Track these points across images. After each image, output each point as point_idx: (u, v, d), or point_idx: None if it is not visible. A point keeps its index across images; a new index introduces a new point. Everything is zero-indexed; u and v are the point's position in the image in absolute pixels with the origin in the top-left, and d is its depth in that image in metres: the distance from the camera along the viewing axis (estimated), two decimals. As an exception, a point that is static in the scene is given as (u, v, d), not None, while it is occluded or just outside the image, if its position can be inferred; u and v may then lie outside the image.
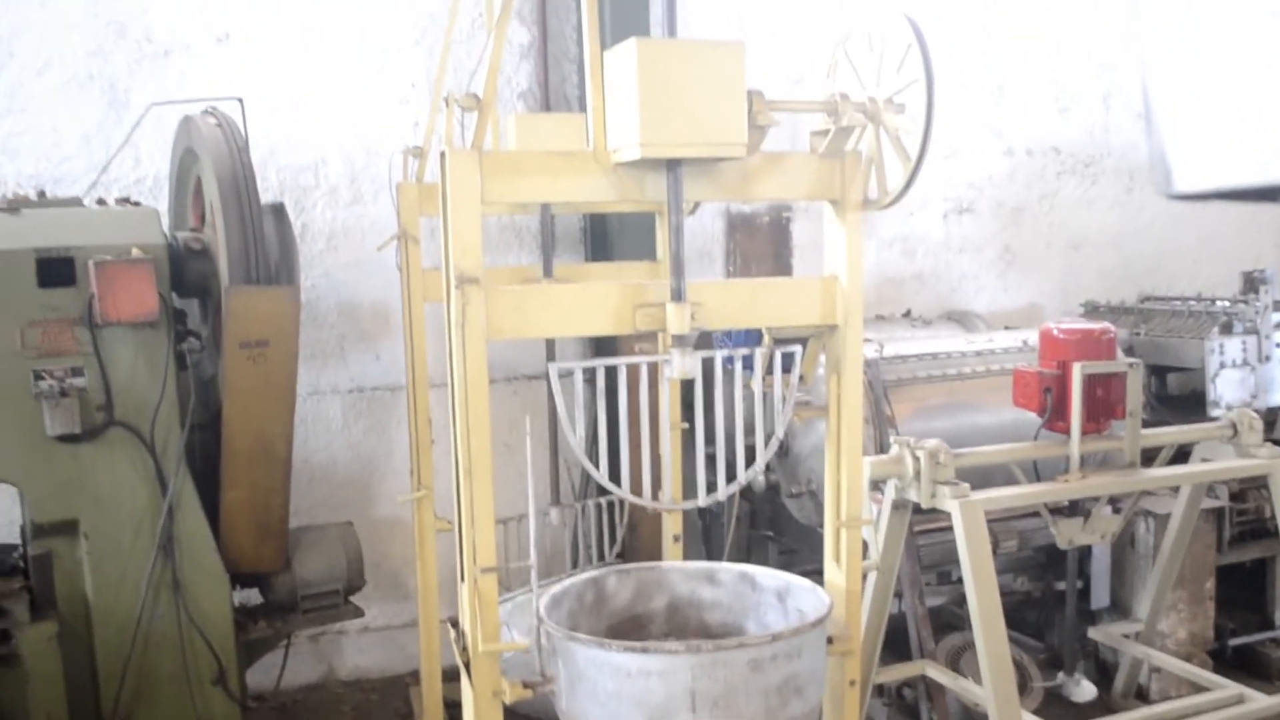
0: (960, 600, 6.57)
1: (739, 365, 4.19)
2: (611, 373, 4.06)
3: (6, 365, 5.21)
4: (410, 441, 6.45)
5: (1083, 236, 9.30)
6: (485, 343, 3.79)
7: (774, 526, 7.53)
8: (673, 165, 3.91)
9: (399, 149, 6.70)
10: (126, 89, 6.81)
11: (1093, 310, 8.68)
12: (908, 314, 8.23)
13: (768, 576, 4.55)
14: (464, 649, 4.16)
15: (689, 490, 4.83)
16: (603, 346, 7.23)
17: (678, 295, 3.98)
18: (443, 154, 3.81)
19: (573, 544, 7.38)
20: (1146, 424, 5.86)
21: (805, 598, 4.35)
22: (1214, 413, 7.50)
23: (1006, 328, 8.09)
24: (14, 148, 6.67)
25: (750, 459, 4.26)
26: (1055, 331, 5.84)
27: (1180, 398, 8.20)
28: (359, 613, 6.28)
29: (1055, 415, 5.78)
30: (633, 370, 4.11)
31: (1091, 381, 5.69)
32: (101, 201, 5.88)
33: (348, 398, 7.44)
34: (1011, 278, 9.16)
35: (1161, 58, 1.25)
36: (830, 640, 4.26)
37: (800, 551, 7.29)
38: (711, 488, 4.26)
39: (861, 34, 4.29)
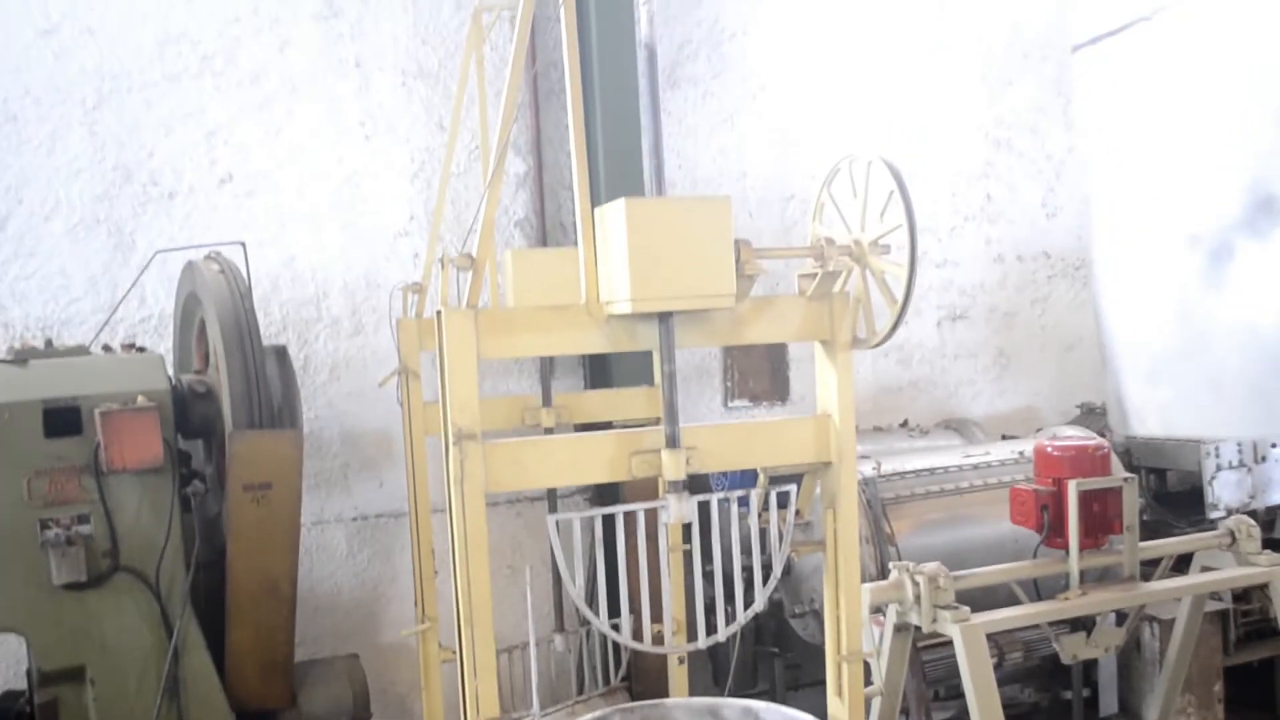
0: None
1: (735, 505, 4.26)
2: (610, 516, 4.12)
3: (13, 516, 5.27)
4: (414, 573, 6.48)
5: (1076, 338, 9.39)
6: (484, 497, 3.86)
7: (779, 643, 7.51)
8: (664, 317, 4.01)
9: (399, 282, 6.86)
10: (132, 231, 6.96)
11: (1088, 412, 8.73)
12: (905, 424, 8.29)
13: (772, 713, 4.57)
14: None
15: (691, 615, 4.86)
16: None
17: (673, 441, 4.06)
18: (439, 313, 3.91)
19: (578, 668, 7.37)
20: (1146, 528, 5.88)
21: (810, 734, 4.36)
22: (1212, 515, 7.51)
23: (1004, 436, 8.15)
24: (22, 291, 6.79)
25: (750, 580, 4.29)
26: (1049, 448, 5.88)
27: (1180, 494, 8.21)
28: (366, 746, 6.26)
29: (1053, 532, 5.80)
30: (631, 513, 4.17)
31: (1087, 497, 5.71)
32: (108, 348, 5.98)
33: (352, 526, 7.48)
34: (1007, 381, 9.24)
35: (1117, 316, 1.32)
36: (836, 775, 4.27)
37: (805, 667, 7.27)
38: (711, 621, 4.30)
39: (845, 176, 4.41)
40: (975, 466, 6.93)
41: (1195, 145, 1.17)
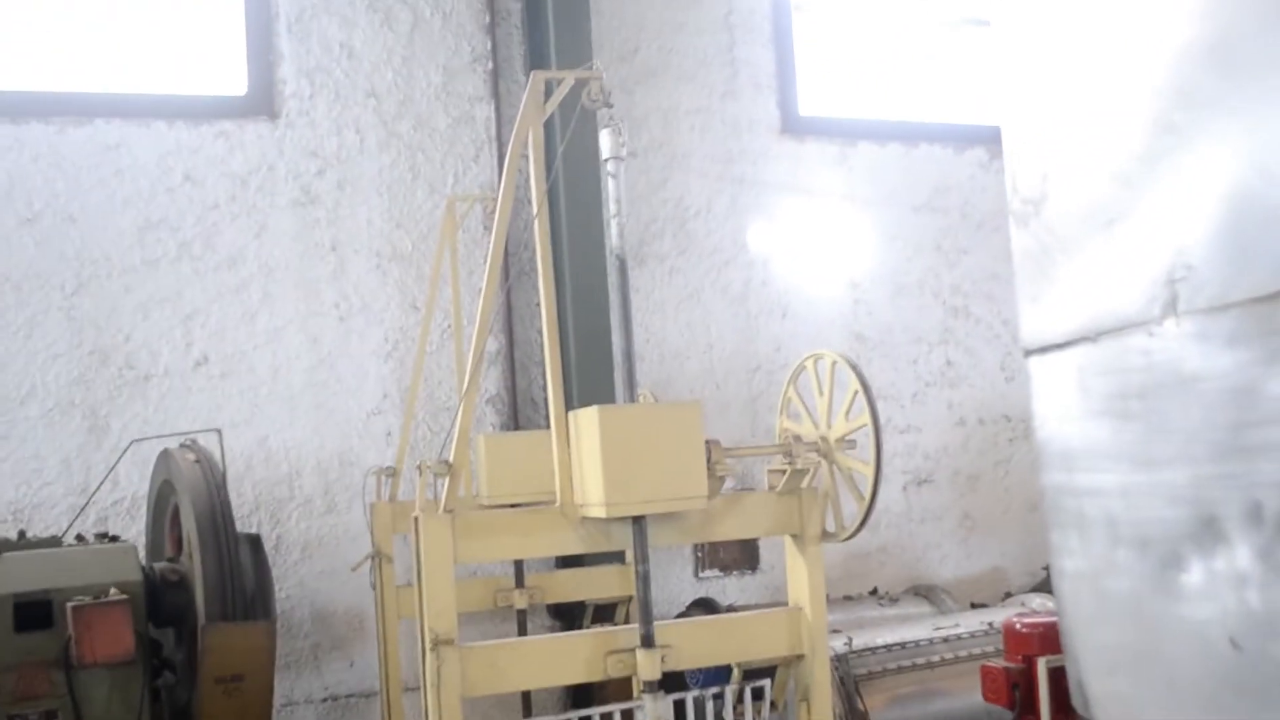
0: None
1: (710, 702, 4.30)
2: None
3: (-20, 713, 5.20)
4: (386, 758, 6.41)
5: (1039, 498, 9.51)
6: (460, 702, 3.88)
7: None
8: (638, 520, 4.10)
9: (372, 461, 6.92)
10: (107, 414, 7.02)
11: (1056, 573, 8.83)
12: (875, 591, 8.34)
13: None
14: None
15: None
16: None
17: (648, 641, 4.11)
18: (416, 519, 3.99)
19: None
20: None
21: None
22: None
23: (973, 604, 8.22)
24: (-6, 475, 6.82)
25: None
26: (1018, 625, 5.94)
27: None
28: None
29: (1025, 709, 5.82)
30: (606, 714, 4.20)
31: (1058, 674, 5.76)
32: (81, 537, 5.99)
33: (322, 707, 7.39)
34: (973, 543, 9.34)
35: (1075, 604, 1.41)
36: None
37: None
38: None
39: (809, 375, 4.56)
40: (946, 639, 6.97)
41: (1145, 457, 1.28)
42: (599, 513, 3.99)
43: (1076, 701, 1.68)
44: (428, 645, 3.89)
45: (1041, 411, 1.78)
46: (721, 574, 8.35)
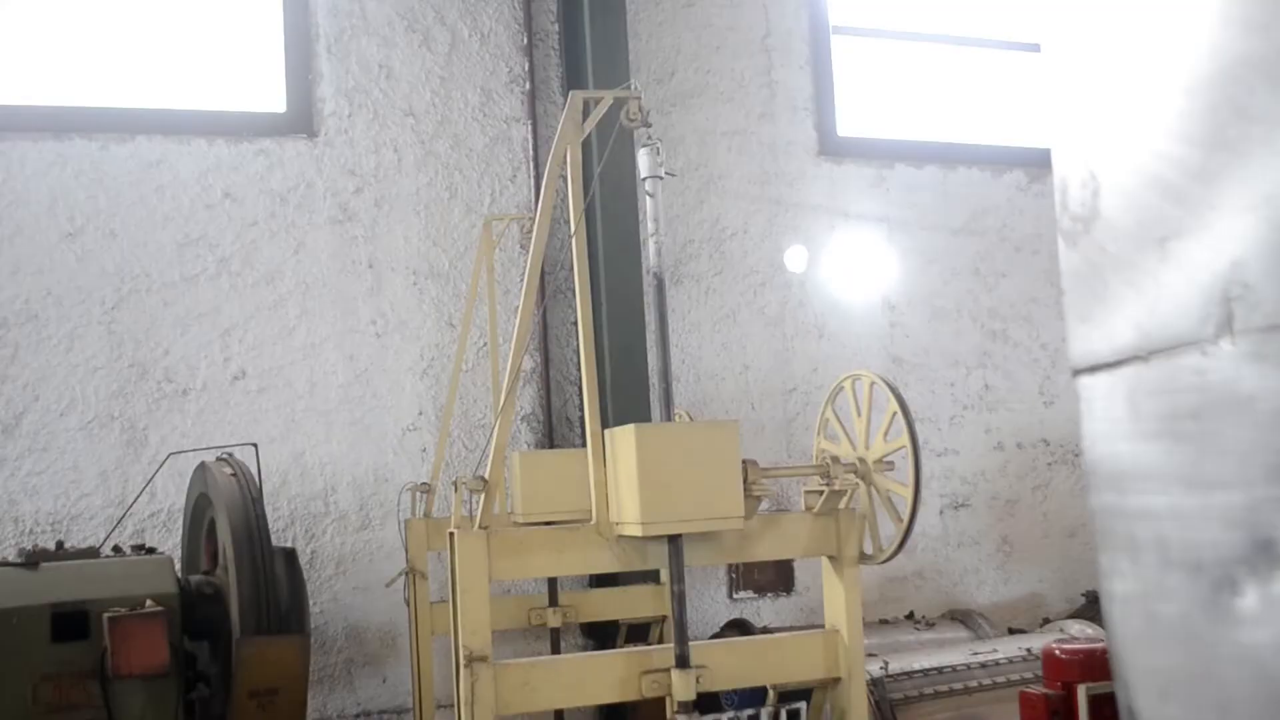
0: None
1: (745, 724, 4.26)
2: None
3: (17, 722, 5.23)
4: (417, 776, 6.40)
5: (1078, 524, 9.43)
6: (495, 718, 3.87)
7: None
8: (674, 539, 4.08)
9: (408, 478, 6.94)
10: (145, 427, 7.08)
11: (1094, 600, 8.71)
12: (911, 615, 8.26)
13: None
14: None
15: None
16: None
17: (683, 662, 4.08)
18: (451, 535, 3.99)
19: None
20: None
21: None
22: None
23: (1010, 629, 8.11)
24: (34, 486, 6.87)
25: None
26: (1058, 651, 5.87)
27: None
28: None
29: (1064, 737, 5.75)
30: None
31: (1098, 701, 5.68)
32: (118, 549, 6.02)
33: (354, 724, 7.40)
34: (1011, 569, 9.24)
35: (1126, 628, 1.39)
36: None
37: None
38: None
39: (847, 396, 4.53)
40: (984, 665, 6.89)
41: (1198, 479, 1.25)
42: (634, 531, 3.97)
43: (1126, 727, 1.65)
44: (461, 662, 3.88)
45: (1091, 432, 1.75)
46: (756, 596, 8.30)
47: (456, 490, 4.24)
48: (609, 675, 4.09)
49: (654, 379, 7.47)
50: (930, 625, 8.03)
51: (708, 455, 4.04)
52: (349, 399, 7.51)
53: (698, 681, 4.10)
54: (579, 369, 7.32)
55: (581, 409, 7.56)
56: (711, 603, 8.20)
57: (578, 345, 6.51)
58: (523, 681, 3.98)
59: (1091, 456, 1.74)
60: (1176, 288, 1.63)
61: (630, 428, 4.00)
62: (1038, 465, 9.42)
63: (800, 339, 8.67)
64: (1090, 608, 8.57)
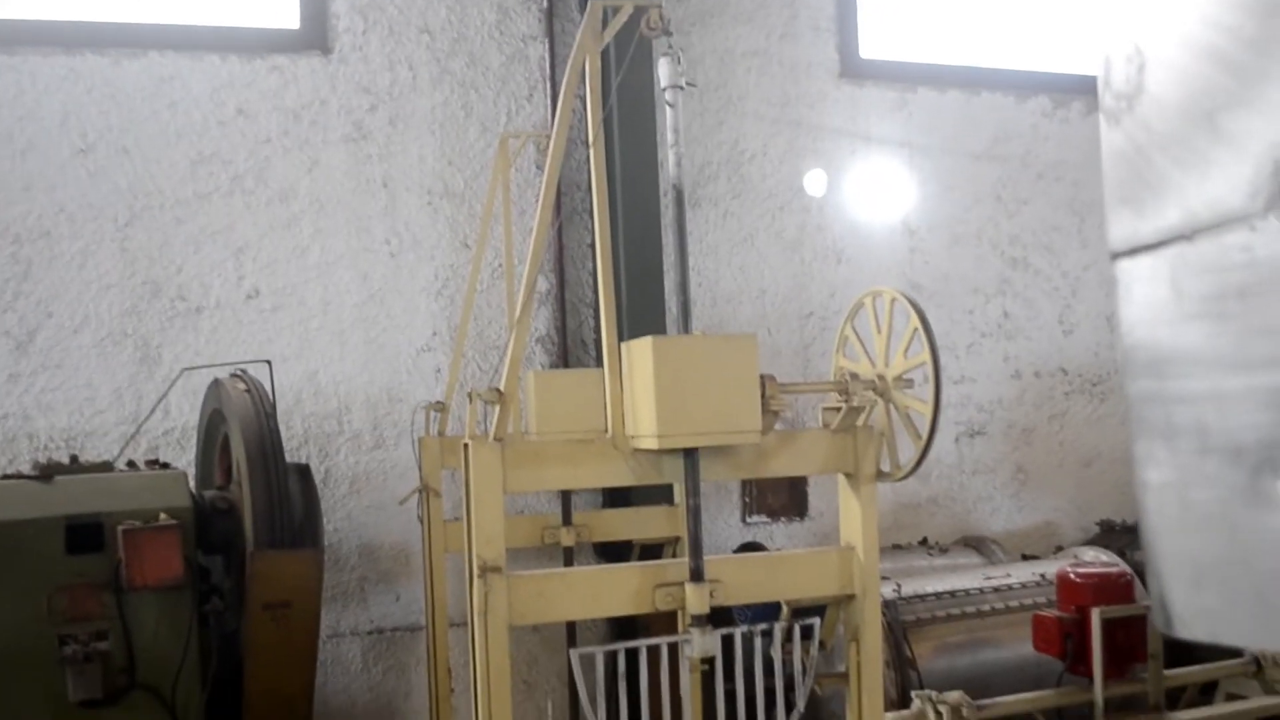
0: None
1: (759, 639, 4.24)
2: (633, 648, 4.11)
3: (33, 631, 5.26)
4: (429, 689, 6.44)
5: (1094, 453, 9.38)
6: (507, 630, 3.86)
7: (798, 764, 7.40)
8: (689, 452, 4.04)
9: (421, 398, 6.91)
10: (159, 345, 7.05)
11: (1108, 529, 8.69)
12: (924, 541, 8.26)
13: None
14: None
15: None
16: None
17: (697, 575, 4.07)
18: (465, 445, 3.95)
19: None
20: (1168, 647, 5.82)
21: None
22: (1237, 639, 7.43)
23: (1024, 555, 8.11)
24: (48, 403, 6.86)
25: (771, 701, 4.24)
26: (1073, 575, 5.88)
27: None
28: None
29: (1077, 660, 5.77)
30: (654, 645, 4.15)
31: (1111, 626, 5.70)
32: (132, 464, 6.03)
33: (367, 640, 7.44)
34: (1025, 497, 9.21)
35: (1160, 516, 1.34)
36: None
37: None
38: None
39: (868, 312, 4.47)
40: (996, 589, 6.90)
41: (1242, 360, 1.20)
42: (650, 444, 3.93)
43: (1158, 619, 1.60)
44: (475, 572, 3.86)
45: (1129, 317, 1.69)
46: (769, 520, 8.29)
47: (471, 402, 4.20)
48: (623, 588, 4.07)
49: (670, 302, 7.41)
50: (944, 551, 8.03)
51: (725, 368, 3.99)
52: (363, 318, 7.46)
53: (711, 596, 4.08)
54: (595, 291, 7.29)
55: (597, 331, 7.52)
56: (725, 527, 8.20)
57: (594, 267, 6.48)
58: (536, 593, 3.96)
59: (1129, 342, 1.68)
60: (1225, 162, 1.56)
61: (647, 340, 3.94)
62: (1055, 394, 9.35)
63: (818, 263, 8.58)
64: (1104, 536, 8.55)
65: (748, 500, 8.23)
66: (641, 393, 3.98)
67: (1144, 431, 1.64)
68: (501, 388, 4.04)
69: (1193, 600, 1.58)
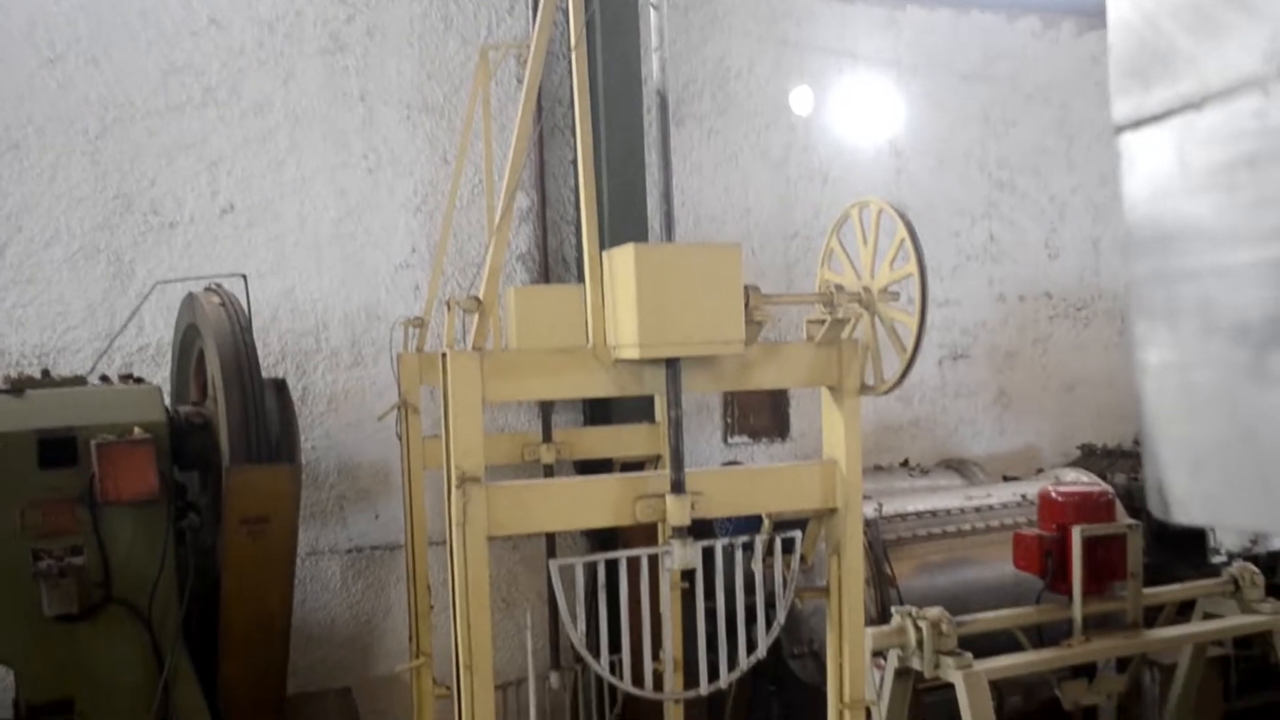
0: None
1: (739, 551, 4.21)
2: (613, 560, 4.07)
3: (6, 546, 5.19)
4: (409, 607, 6.42)
5: (1077, 378, 9.38)
6: (486, 541, 3.81)
7: (776, 680, 7.45)
8: (671, 363, 3.97)
9: (399, 315, 6.82)
10: (131, 260, 6.92)
11: (1089, 453, 8.71)
12: (906, 463, 8.26)
13: (772, 760, 4.50)
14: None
15: (689, 654, 4.81)
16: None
17: (678, 487, 4.01)
18: (444, 355, 3.87)
19: (573, 705, 7.29)
20: (1148, 571, 5.85)
21: (810, 785, 4.30)
22: (1214, 559, 7.48)
23: (1005, 476, 8.11)
24: (20, 318, 6.74)
25: (751, 618, 4.23)
26: (1054, 494, 5.86)
27: (1180, 537, 8.17)
28: (357, 783, 6.19)
29: (1056, 577, 5.77)
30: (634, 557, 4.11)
31: (1091, 544, 5.69)
32: (105, 378, 5.93)
33: (346, 558, 7.41)
34: (1008, 421, 9.21)
35: (1160, 400, 1.29)
36: (835, 828, 4.21)
37: (801, 706, 7.20)
38: (711, 657, 4.24)
39: (854, 224, 4.39)
40: (977, 509, 6.90)
41: (1251, 233, 1.15)
42: (631, 354, 3.85)
43: (1154, 506, 1.54)
44: (454, 483, 3.80)
45: (1133, 193, 1.61)
46: (751, 441, 8.27)
47: (449, 310, 4.11)
48: (602, 499, 4.01)
49: (654, 221, 7.30)
50: (925, 473, 8.03)
51: (708, 277, 3.91)
52: (340, 235, 7.34)
53: (692, 508, 4.03)
54: (576, 209, 7.18)
55: (579, 249, 7.41)
56: (706, 447, 8.17)
57: (575, 184, 6.35)
58: (515, 503, 3.90)
59: (1132, 219, 1.60)
60: (1239, 27, 1.47)
61: (629, 247, 3.85)
62: (1039, 318, 9.32)
63: (804, 183, 8.48)
64: (1085, 460, 8.57)
65: (729, 421, 8.20)
66: (623, 302, 3.89)
67: (1145, 312, 1.57)
68: (480, 296, 3.95)
69: (1192, 484, 1.52)
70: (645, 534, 4.72)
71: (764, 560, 4.30)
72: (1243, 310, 1.41)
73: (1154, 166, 1.56)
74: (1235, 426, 1.40)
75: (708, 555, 4.13)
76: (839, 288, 4.25)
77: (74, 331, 6.82)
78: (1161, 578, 6.30)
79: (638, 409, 6.68)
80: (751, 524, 4.46)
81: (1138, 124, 1.59)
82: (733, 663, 4.25)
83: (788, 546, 4.26)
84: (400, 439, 6.33)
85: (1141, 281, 1.55)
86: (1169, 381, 1.50)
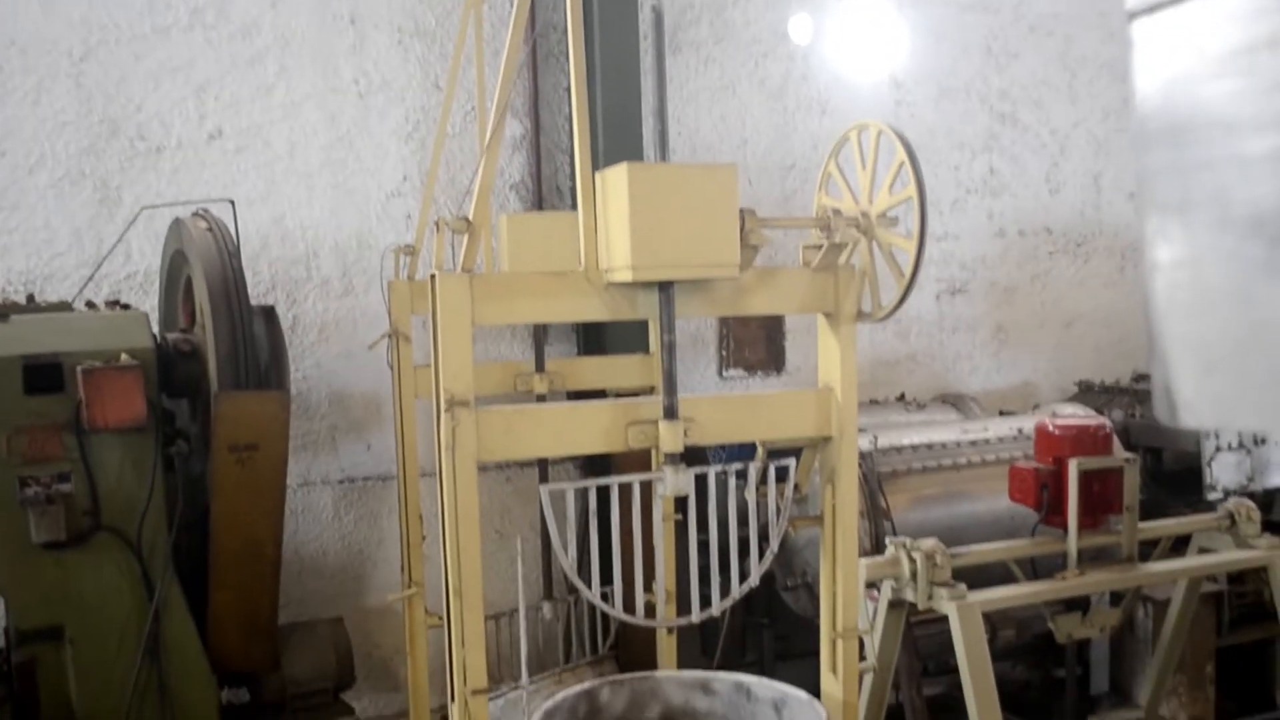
0: (960, 685, 6.50)
1: (732, 478, 4.16)
2: (604, 487, 4.02)
3: (-8, 473, 5.14)
4: (400, 537, 6.40)
5: (1076, 314, 9.31)
6: (475, 465, 3.75)
7: (769, 613, 7.47)
8: (664, 286, 3.89)
9: (391, 243, 6.72)
10: (118, 186, 6.80)
11: (1087, 390, 8.66)
12: (901, 397, 8.21)
13: (763, 688, 4.50)
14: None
15: (683, 586, 4.78)
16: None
17: (670, 413, 3.95)
18: (433, 277, 3.79)
19: (565, 637, 7.30)
20: (1144, 508, 5.83)
21: (802, 712, 4.28)
22: (1210, 496, 7.47)
23: (1001, 411, 8.07)
24: (4, 245, 6.64)
25: (744, 550, 4.20)
26: (1051, 427, 5.81)
27: (1176, 475, 8.17)
28: (349, 711, 6.19)
29: (1052, 511, 5.74)
30: (625, 484, 4.06)
31: (1088, 477, 5.65)
32: (91, 304, 5.85)
33: (339, 488, 7.38)
34: (1005, 357, 9.15)
35: (1168, 304, 1.24)
36: (827, 754, 4.20)
37: (795, 639, 7.21)
38: (704, 590, 4.20)
39: (853, 147, 4.29)
40: (973, 443, 6.86)
41: (1271, 118, 1.10)
42: (624, 276, 3.77)
43: (1161, 411, 1.48)
44: (443, 407, 3.74)
45: (1145, 84, 1.53)
46: (746, 374, 8.21)
47: (439, 230, 4.02)
48: (594, 425, 3.95)
49: (649, 151, 7.19)
50: (921, 407, 7.98)
51: (704, 199, 3.82)
52: (331, 161, 7.21)
53: (686, 435, 3.97)
54: (571, 136, 7.05)
55: (573, 178, 7.31)
56: (701, 380, 8.12)
57: (570, 112, 6.22)
58: (505, 428, 3.84)
59: (1144, 111, 1.52)
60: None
61: (623, 166, 3.76)
62: (1039, 254, 9.23)
63: (802, 114, 8.34)
64: (1083, 396, 8.53)
65: (724, 354, 8.14)
66: (615, 223, 3.81)
67: (1157, 207, 1.50)
68: (470, 217, 3.86)
69: (1202, 385, 1.46)
70: (638, 466, 4.67)
71: (758, 489, 4.26)
72: (1259, 202, 1.34)
73: (1169, 53, 1.48)
74: (1248, 324, 1.33)
75: (700, 483, 4.08)
76: (836, 212, 4.17)
77: (60, 259, 6.72)
78: (1157, 516, 6.28)
79: (632, 340, 6.61)
80: (745, 453, 4.41)
81: (1152, 8, 1.51)
82: (725, 591, 4.22)
83: (781, 474, 4.21)
84: (391, 368, 6.26)
85: (1153, 175, 1.48)
86: (1180, 278, 1.43)
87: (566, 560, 3.96)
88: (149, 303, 6.64)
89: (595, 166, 3.98)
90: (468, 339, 3.76)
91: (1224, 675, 7.39)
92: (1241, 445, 7.59)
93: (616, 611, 4.08)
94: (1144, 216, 1.49)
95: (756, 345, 8.11)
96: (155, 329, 5.92)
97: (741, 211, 3.92)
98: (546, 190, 7.62)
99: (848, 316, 4.19)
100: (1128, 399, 8.29)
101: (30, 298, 5.69)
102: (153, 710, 5.43)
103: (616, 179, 3.80)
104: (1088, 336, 9.30)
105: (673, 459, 3.96)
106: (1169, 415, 1.47)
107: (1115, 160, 9.28)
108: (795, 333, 8.27)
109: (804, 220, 4.22)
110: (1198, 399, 1.43)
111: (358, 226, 7.27)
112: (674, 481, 3.98)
